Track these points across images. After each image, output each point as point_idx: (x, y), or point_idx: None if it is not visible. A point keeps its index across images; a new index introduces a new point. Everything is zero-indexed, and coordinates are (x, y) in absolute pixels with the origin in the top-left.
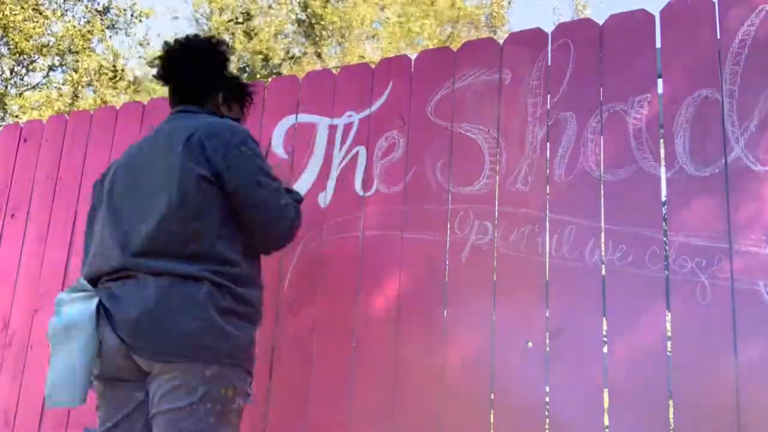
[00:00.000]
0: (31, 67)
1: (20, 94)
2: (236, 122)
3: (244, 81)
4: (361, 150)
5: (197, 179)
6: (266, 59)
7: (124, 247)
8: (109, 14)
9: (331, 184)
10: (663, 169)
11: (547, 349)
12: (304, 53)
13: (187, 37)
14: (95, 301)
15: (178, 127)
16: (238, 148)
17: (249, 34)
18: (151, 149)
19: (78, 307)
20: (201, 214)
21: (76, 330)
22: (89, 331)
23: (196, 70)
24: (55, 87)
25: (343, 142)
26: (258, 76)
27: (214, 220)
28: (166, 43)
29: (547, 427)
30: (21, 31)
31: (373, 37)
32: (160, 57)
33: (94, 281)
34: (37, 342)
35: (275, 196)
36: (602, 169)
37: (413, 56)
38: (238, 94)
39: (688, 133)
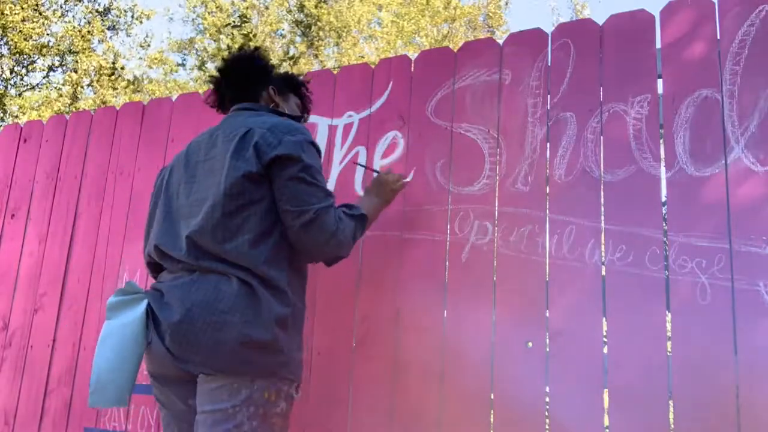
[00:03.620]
0: (30, 68)
1: (20, 95)
2: (298, 122)
3: (295, 75)
4: (361, 150)
5: (243, 176)
6: None
7: (175, 243)
8: (109, 15)
9: (331, 184)
10: (663, 169)
11: (547, 349)
12: (302, 53)
13: (232, 55)
14: (144, 303)
15: (236, 124)
16: (295, 145)
17: (247, 36)
18: (208, 145)
19: (128, 310)
20: (244, 212)
21: (125, 332)
22: (138, 333)
23: (244, 74)
24: (55, 87)
25: (343, 142)
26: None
27: (258, 219)
28: (218, 66)
29: (547, 427)
30: (20, 31)
31: (370, 37)
32: (213, 77)
33: (155, 271)
34: (37, 342)
35: (316, 196)
36: (602, 169)
37: (413, 56)
38: (289, 85)
39: (688, 133)
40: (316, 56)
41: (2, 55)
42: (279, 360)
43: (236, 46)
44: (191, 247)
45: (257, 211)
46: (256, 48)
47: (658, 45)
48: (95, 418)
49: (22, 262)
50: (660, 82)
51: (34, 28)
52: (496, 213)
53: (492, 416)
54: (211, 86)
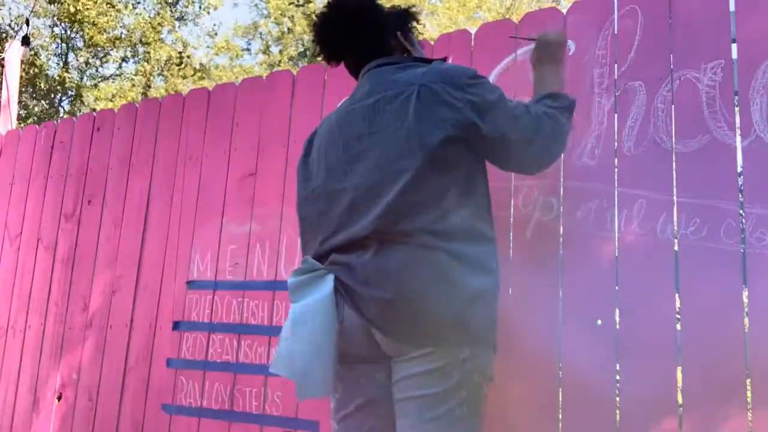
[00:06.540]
0: (105, 60)
1: (95, 86)
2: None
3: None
4: None
5: (443, 142)
6: None
7: (355, 216)
8: (178, 6)
9: None
10: (738, 138)
11: (618, 326)
12: None
13: (336, 6)
14: (329, 281)
15: (390, 85)
16: (481, 87)
17: (309, 17)
18: (367, 115)
19: (314, 288)
20: (446, 179)
21: (314, 312)
22: (329, 311)
23: (362, 24)
24: (128, 78)
25: None
26: (319, 58)
27: (460, 185)
28: (320, 13)
29: (617, 405)
30: (95, 25)
31: (431, 13)
32: (316, 24)
33: (322, 254)
34: (116, 322)
35: (528, 120)
36: (674, 140)
37: (473, 31)
38: (408, 23)
39: (766, 100)
40: None
41: (79, 48)
42: (489, 324)
43: (297, 28)
44: (378, 222)
45: (459, 177)
46: None
47: (732, 7)
48: (172, 395)
49: (100, 246)
50: (734, 46)
51: (107, 22)
52: (562, 188)
53: (561, 394)
54: (321, 30)
